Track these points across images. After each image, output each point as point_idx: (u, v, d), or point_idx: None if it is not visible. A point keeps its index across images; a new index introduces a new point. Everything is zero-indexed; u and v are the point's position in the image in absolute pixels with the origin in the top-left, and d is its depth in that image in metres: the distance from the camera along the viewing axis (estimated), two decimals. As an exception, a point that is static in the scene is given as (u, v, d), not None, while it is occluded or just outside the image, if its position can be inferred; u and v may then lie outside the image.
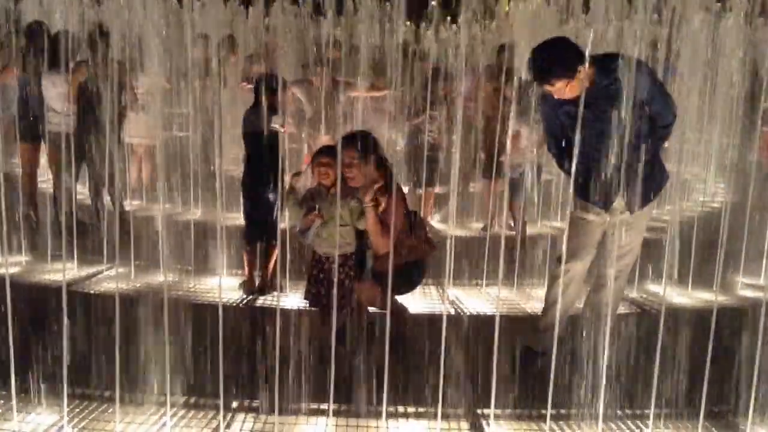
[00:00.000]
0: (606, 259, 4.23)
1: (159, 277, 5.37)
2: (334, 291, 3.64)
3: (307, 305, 4.46)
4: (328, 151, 4.16)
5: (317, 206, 4.17)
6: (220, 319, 3.30)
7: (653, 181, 4.03)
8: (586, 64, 3.64)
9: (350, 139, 4.18)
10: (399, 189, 4.38)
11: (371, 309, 4.36)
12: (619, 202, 4.04)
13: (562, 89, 3.82)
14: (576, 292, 4.34)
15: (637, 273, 5.57)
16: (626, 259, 4.27)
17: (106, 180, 6.69)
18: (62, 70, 6.25)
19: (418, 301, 5.17)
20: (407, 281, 4.42)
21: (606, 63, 3.79)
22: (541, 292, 5.53)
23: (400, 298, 4.54)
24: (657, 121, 3.94)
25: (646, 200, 4.03)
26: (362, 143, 4.15)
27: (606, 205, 4.05)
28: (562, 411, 3.63)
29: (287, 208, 4.32)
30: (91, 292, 5.31)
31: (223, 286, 5.35)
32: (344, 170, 4.05)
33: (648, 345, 3.83)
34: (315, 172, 4.16)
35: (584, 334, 4.07)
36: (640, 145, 3.71)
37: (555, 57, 3.76)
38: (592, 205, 4.10)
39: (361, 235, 4.26)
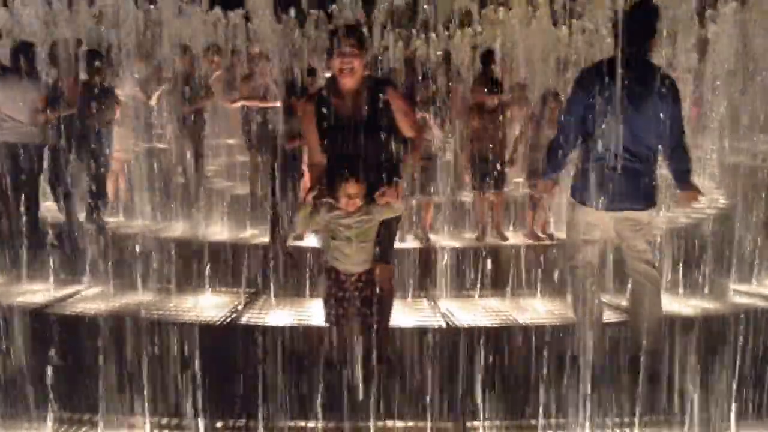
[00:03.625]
0: None
1: (138, 297, 5.26)
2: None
3: (330, 325, 4.09)
4: (356, 181, 3.90)
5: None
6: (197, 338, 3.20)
7: None
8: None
9: (352, 30, 4.05)
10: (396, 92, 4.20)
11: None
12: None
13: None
14: None
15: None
16: None
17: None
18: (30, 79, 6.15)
19: (409, 314, 5.08)
20: None
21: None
22: (531, 301, 5.51)
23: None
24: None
25: None
26: (362, 35, 4.08)
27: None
28: (551, 421, 3.51)
29: (299, 218, 4.16)
30: (68, 313, 5.14)
31: (206, 305, 5.29)
32: (345, 61, 3.92)
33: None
34: (342, 200, 3.91)
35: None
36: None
37: (652, 16, 3.87)
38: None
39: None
